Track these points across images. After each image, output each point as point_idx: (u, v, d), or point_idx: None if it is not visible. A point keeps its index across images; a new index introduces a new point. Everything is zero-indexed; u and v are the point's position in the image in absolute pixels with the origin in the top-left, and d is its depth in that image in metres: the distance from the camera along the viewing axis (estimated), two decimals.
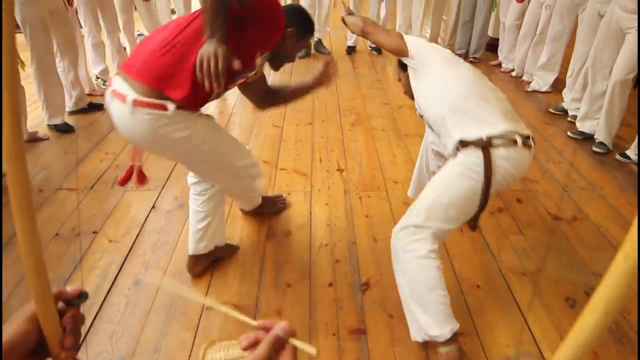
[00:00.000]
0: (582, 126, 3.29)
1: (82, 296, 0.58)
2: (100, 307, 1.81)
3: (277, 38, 1.61)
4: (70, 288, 0.58)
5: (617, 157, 2.97)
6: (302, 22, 1.78)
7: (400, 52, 1.78)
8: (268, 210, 2.36)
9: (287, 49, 1.75)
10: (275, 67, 1.84)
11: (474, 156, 1.55)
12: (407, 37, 1.81)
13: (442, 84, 1.69)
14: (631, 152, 2.93)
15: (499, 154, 1.54)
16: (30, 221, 0.49)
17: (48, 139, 3.16)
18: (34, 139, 3.11)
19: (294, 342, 0.51)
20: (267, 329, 0.52)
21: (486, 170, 1.52)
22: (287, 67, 4.65)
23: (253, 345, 0.51)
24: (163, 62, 1.47)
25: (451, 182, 1.58)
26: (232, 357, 0.53)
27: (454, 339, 1.54)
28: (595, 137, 3.14)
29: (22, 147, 0.48)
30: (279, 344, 0.51)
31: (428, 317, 1.54)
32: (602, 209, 2.48)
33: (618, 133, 3.10)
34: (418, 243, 1.56)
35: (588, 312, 0.38)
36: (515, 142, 1.55)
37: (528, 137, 1.60)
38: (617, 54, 2.96)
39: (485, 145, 1.53)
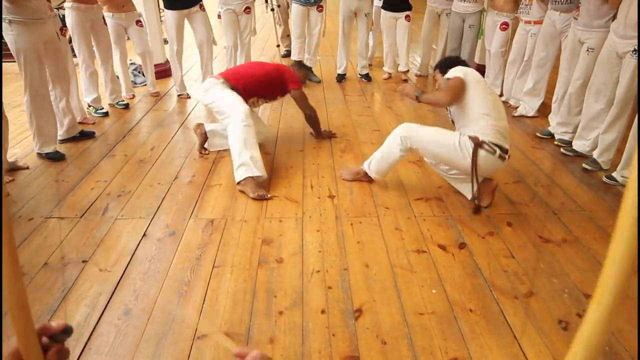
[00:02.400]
0: (575, 145, 3.42)
1: (67, 331, 0.57)
2: (89, 338, 1.77)
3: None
4: (55, 323, 0.57)
5: (604, 179, 3.03)
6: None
7: (457, 100, 2.59)
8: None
9: None
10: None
11: (469, 144, 2.48)
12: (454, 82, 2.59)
13: (480, 103, 2.56)
14: (617, 175, 2.98)
15: (481, 154, 2.46)
16: (12, 256, 0.49)
17: (27, 167, 3.14)
18: (14, 168, 3.10)
19: None
20: (242, 357, 0.53)
21: (473, 156, 2.47)
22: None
23: None
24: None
25: (447, 137, 2.58)
26: None
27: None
28: (593, 154, 3.24)
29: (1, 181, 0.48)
30: None
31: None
32: (592, 231, 2.51)
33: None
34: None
35: (592, 308, 0.38)
36: (494, 152, 2.46)
37: (506, 152, 2.51)
38: (611, 78, 3.07)
39: (478, 143, 2.47)
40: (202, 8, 4.46)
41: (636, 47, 2.88)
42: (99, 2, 3.99)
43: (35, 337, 0.53)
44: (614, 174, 3.01)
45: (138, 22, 4.39)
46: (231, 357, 0.56)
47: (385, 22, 5.16)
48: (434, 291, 2.04)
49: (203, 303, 1.96)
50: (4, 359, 0.52)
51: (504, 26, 4.45)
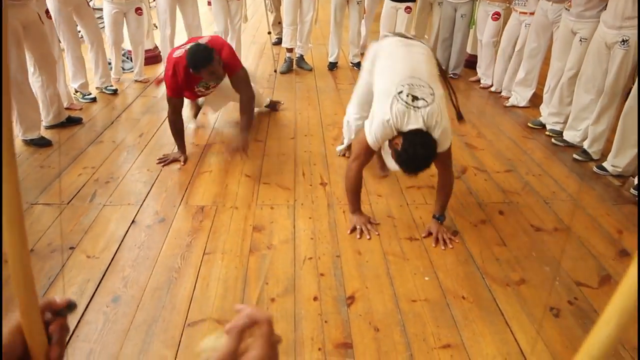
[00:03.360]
0: (566, 135, 3.43)
1: (71, 306, 0.56)
2: (77, 325, 1.74)
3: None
4: (59, 298, 0.56)
5: (595, 169, 3.04)
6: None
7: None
8: None
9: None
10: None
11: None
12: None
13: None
14: (608, 165, 3.00)
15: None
16: (20, 230, 0.48)
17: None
18: None
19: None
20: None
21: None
22: (270, 81, 4.67)
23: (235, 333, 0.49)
24: None
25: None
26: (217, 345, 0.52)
27: None
28: (583, 145, 3.26)
29: (14, 156, 0.47)
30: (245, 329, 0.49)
31: None
32: (582, 220, 2.52)
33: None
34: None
35: (601, 325, 0.37)
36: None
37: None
38: (600, 68, 3.07)
39: None
40: None
41: (625, 38, 2.88)
42: None
43: (38, 313, 0.52)
44: (604, 164, 3.02)
45: (138, 9, 4.29)
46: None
47: (386, 11, 5.10)
48: (426, 278, 2.04)
49: (193, 290, 1.93)
50: (6, 335, 0.50)
51: (495, 16, 4.43)
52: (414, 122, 1.98)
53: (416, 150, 1.95)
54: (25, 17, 3.01)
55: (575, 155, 3.23)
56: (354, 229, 2.34)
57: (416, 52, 2.31)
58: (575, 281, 2.05)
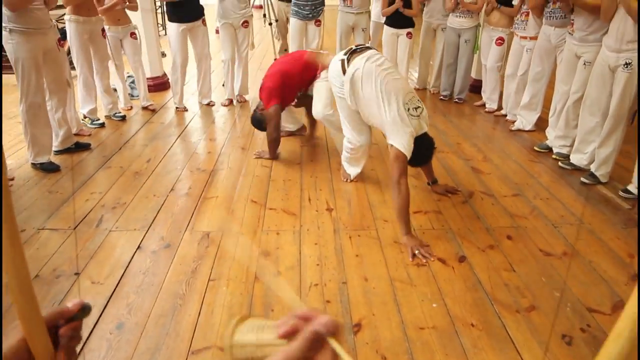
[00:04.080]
0: (573, 158, 3.42)
1: (85, 309, 0.55)
2: (80, 352, 1.71)
3: None
4: (70, 303, 0.54)
5: (620, 193, 3.00)
6: None
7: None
8: None
9: None
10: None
11: None
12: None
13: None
14: (632, 187, 2.97)
15: None
16: (15, 239, 0.47)
17: (13, 179, 3.09)
18: None
19: (334, 344, 0.45)
20: (307, 320, 0.47)
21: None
22: None
23: (290, 334, 0.46)
24: None
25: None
26: (264, 343, 0.48)
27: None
28: (590, 168, 3.24)
29: (6, 180, 0.46)
30: (317, 341, 0.45)
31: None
32: (592, 244, 2.48)
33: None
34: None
35: (613, 338, 0.35)
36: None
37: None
38: (604, 91, 3.08)
39: None
40: (204, 23, 4.53)
41: (628, 61, 2.89)
42: (99, 14, 4.00)
43: (41, 321, 0.50)
44: (629, 187, 2.99)
45: (132, 34, 4.40)
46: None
47: (387, 38, 5.19)
48: (434, 305, 2.00)
49: (198, 317, 1.91)
50: (12, 344, 0.49)
51: (499, 41, 4.48)
52: (423, 127, 2.58)
53: (428, 149, 2.65)
54: (45, 44, 3.12)
55: (582, 179, 3.21)
56: (413, 255, 2.33)
57: (393, 72, 2.65)
58: (587, 307, 2.01)
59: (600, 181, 3.16)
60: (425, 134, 2.59)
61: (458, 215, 2.75)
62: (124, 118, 4.35)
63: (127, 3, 4.25)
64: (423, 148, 2.57)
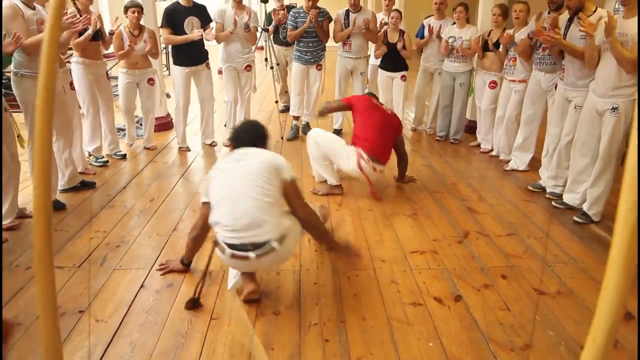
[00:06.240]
0: (566, 198, 3.51)
1: None
2: None
3: None
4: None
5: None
6: None
7: None
8: None
9: None
10: None
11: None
12: None
13: None
14: None
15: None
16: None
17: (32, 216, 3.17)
18: (22, 216, 3.14)
19: None
20: None
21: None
22: (276, 147, 4.82)
23: None
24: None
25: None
26: None
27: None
28: (583, 207, 3.32)
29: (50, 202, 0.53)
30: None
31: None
32: (585, 282, 2.54)
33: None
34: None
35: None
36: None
37: None
38: (594, 134, 3.21)
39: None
40: (207, 66, 4.71)
41: (614, 106, 3.03)
42: (116, 57, 4.18)
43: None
44: None
45: (150, 80, 4.58)
46: None
47: (382, 81, 5.40)
48: (430, 344, 2.04)
49: (200, 355, 1.95)
50: None
51: (492, 84, 4.67)
52: None
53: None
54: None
55: (575, 218, 3.29)
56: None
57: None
58: (581, 346, 2.05)
59: (593, 220, 3.24)
60: None
61: (454, 255, 2.81)
62: (124, 157, 4.48)
63: (147, 49, 4.40)
64: None
